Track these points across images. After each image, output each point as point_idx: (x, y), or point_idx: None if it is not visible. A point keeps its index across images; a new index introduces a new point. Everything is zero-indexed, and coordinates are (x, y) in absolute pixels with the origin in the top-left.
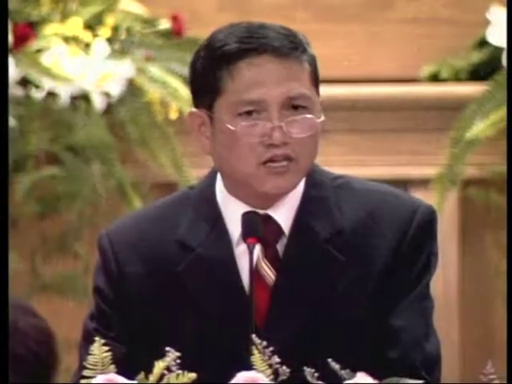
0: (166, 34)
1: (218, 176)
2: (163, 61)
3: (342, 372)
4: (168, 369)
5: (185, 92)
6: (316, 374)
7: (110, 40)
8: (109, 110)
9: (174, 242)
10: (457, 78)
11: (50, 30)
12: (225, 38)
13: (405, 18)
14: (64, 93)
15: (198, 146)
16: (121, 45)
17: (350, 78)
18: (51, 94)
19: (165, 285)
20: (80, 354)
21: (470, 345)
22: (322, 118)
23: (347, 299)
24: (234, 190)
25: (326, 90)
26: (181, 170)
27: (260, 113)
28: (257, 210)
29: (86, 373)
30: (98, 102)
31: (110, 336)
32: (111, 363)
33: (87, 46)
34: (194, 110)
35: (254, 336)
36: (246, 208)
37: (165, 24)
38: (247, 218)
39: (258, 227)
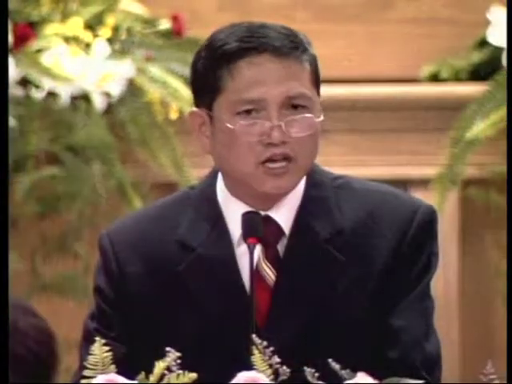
0: (166, 34)
1: (219, 176)
2: (163, 61)
3: (343, 372)
4: (168, 369)
5: (185, 92)
6: (316, 374)
7: (110, 40)
8: (109, 110)
9: (175, 242)
10: (457, 78)
11: (50, 30)
12: (225, 38)
13: (405, 17)
14: (64, 93)
15: (198, 145)
16: (121, 45)
17: (350, 78)
18: (51, 94)
19: (165, 285)
20: (80, 353)
21: (470, 345)
22: (322, 118)
23: (347, 299)
24: (234, 189)
25: (326, 90)
26: (181, 170)
27: (259, 112)
28: (257, 211)
29: (86, 373)
30: (99, 102)
31: (111, 336)
32: (111, 363)
33: (87, 46)
34: (194, 109)
35: (254, 336)
36: (246, 208)
37: (165, 24)
38: (247, 218)
39: (258, 227)
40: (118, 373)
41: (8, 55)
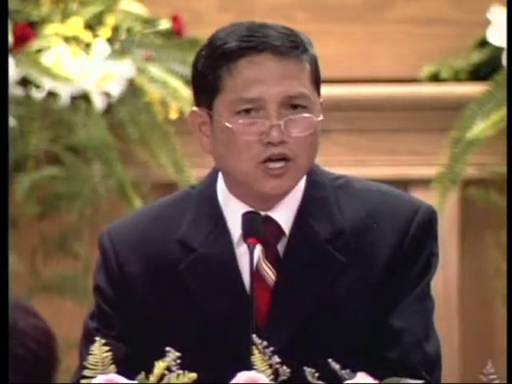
0: (166, 34)
1: (220, 175)
2: (163, 61)
3: (343, 372)
4: (168, 369)
5: (185, 92)
6: (316, 374)
7: (110, 40)
8: (109, 110)
9: (175, 242)
10: (457, 78)
11: (50, 29)
12: (225, 37)
13: (405, 17)
14: (64, 93)
15: (198, 145)
16: (121, 45)
17: (350, 78)
18: (51, 94)
19: (166, 284)
20: (80, 353)
21: (470, 345)
22: (321, 118)
23: (347, 299)
24: (234, 189)
25: (325, 90)
26: (181, 170)
27: (258, 111)
28: (257, 211)
29: (86, 373)
30: (99, 102)
31: (111, 335)
32: (111, 363)
33: (87, 46)
34: (194, 108)
35: (254, 336)
36: (246, 208)
37: (165, 24)
38: (247, 218)
39: (258, 227)
40: (118, 373)
41: (8, 55)
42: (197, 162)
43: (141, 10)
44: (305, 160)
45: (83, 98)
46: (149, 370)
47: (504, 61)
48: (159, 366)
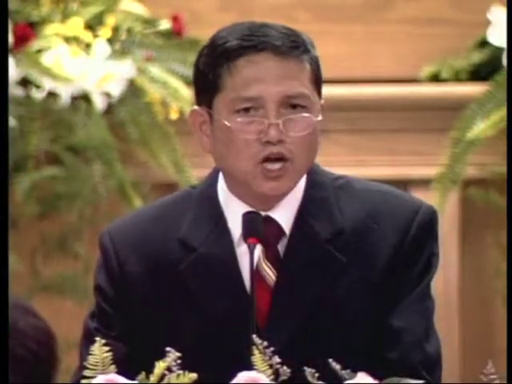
0: (166, 35)
1: (220, 176)
2: (163, 61)
3: (343, 372)
4: (169, 369)
5: (185, 92)
6: (316, 375)
7: (110, 40)
8: (109, 110)
9: (176, 241)
10: (457, 78)
11: (50, 30)
12: (227, 36)
13: (405, 17)
14: (64, 93)
15: (198, 145)
16: (121, 45)
17: (350, 78)
18: (52, 94)
19: (166, 284)
20: (80, 353)
21: (470, 345)
22: (320, 118)
23: (348, 299)
24: (235, 189)
25: (326, 90)
26: (181, 170)
27: (257, 110)
28: (258, 211)
29: (86, 373)
30: (99, 103)
31: (111, 335)
32: (111, 363)
33: (88, 46)
34: (195, 107)
35: (254, 336)
36: (247, 208)
37: (165, 24)
38: (248, 219)
39: (258, 227)
40: (118, 373)
41: (8, 55)
42: (197, 162)
43: (141, 10)
44: (303, 160)
45: (83, 98)
46: (149, 370)
47: (504, 61)
48: (159, 366)
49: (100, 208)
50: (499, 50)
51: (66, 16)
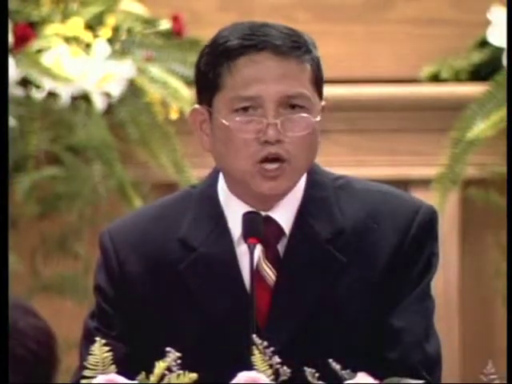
0: (166, 35)
1: (220, 175)
2: (164, 61)
3: (343, 372)
4: (169, 369)
5: (185, 92)
6: (317, 375)
7: (110, 40)
8: (109, 110)
9: (176, 241)
10: (457, 78)
11: (50, 30)
12: (228, 35)
13: (405, 17)
14: (64, 93)
15: (198, 145)
16: (121, 45)
17: (350, 78)
18: (52, 95)
19: (166, 284)
20: (80, 353)
21: (470, 345)
22: (319, 118)
23: (348, 299)
24: (234, 189)
25: (326, 90)
26: (181, 170)
27: (256, 109)
28: (258, 211)
29: (86, 373)
30: (99, 103)
31: (111, 335)
32: (112, 363)
33: (88, 46)
34: (196, 106)
35: (254, 336)
36: (247, 208)
37: (165, 24)
38: (248, 218)
39: (258, 227)
40: (119, 373)
41: (8, 55)
42: (197, 162)
43: (141, 10)
44: (302, 160)
45: (83, 98)
46: (149, 370)
47: (504, 61)
48: (160, 366)
49: (100, 208)
50: (499, 50)
51: (66, 16)
